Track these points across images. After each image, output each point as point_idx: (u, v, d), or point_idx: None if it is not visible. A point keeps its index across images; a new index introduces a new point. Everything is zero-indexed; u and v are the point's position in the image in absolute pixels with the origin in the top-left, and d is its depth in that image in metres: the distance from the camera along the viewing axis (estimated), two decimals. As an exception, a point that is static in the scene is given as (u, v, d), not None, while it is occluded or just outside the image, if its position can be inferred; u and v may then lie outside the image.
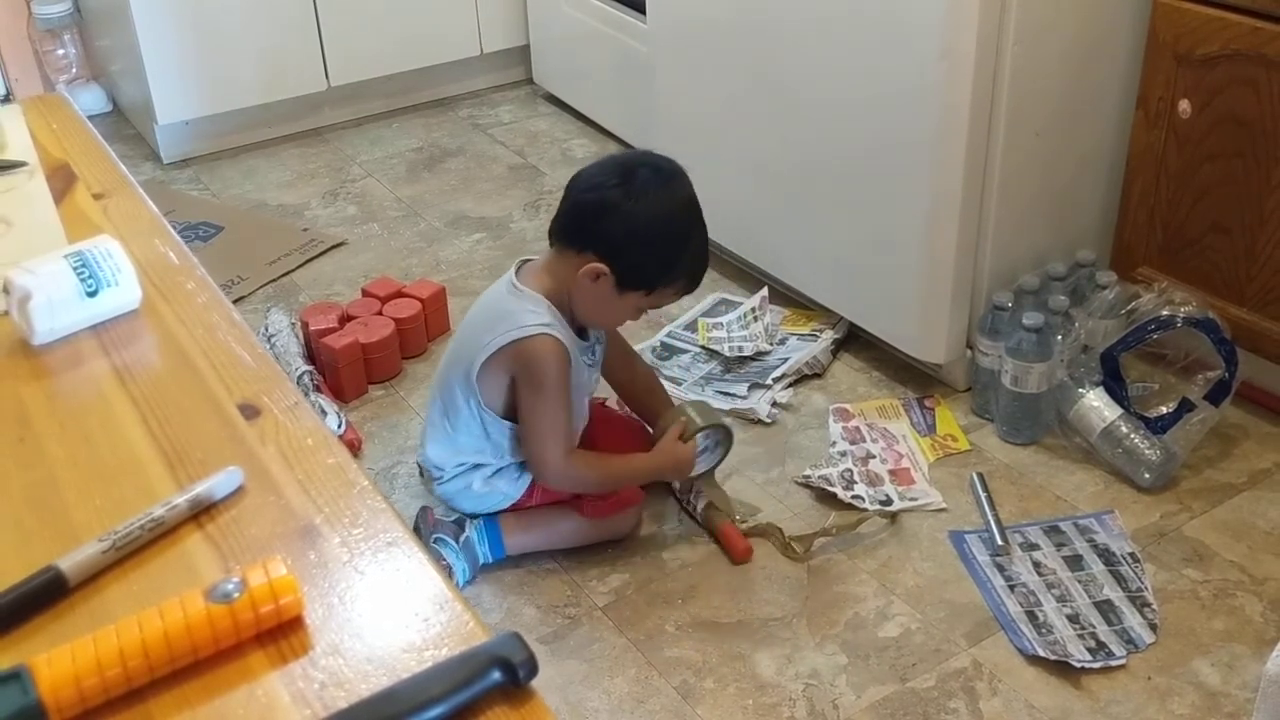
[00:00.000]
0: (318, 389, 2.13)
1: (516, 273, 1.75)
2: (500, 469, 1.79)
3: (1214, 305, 1.96)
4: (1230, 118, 1.90)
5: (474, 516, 1.80)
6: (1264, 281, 1.95)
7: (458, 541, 1.76)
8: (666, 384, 2.19)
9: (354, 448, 2.04)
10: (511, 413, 1.74)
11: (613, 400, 2.01)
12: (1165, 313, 1.94)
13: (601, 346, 1.83)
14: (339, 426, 2.04)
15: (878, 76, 1.98)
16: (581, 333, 1.77)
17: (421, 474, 1.93)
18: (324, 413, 2.04)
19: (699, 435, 1.83)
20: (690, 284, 1.74)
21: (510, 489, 1.80)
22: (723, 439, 1.88)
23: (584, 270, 1.67)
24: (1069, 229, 2.15)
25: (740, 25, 2.22)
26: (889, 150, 2.01)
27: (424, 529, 1.79)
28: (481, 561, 1.78)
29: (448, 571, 1.72)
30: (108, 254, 1.01)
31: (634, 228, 1.65)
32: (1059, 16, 1.92)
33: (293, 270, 2.60)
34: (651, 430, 1.90)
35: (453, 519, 1.79)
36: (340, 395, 2.18)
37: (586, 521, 1.81)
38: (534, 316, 1.68)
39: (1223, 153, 1.93)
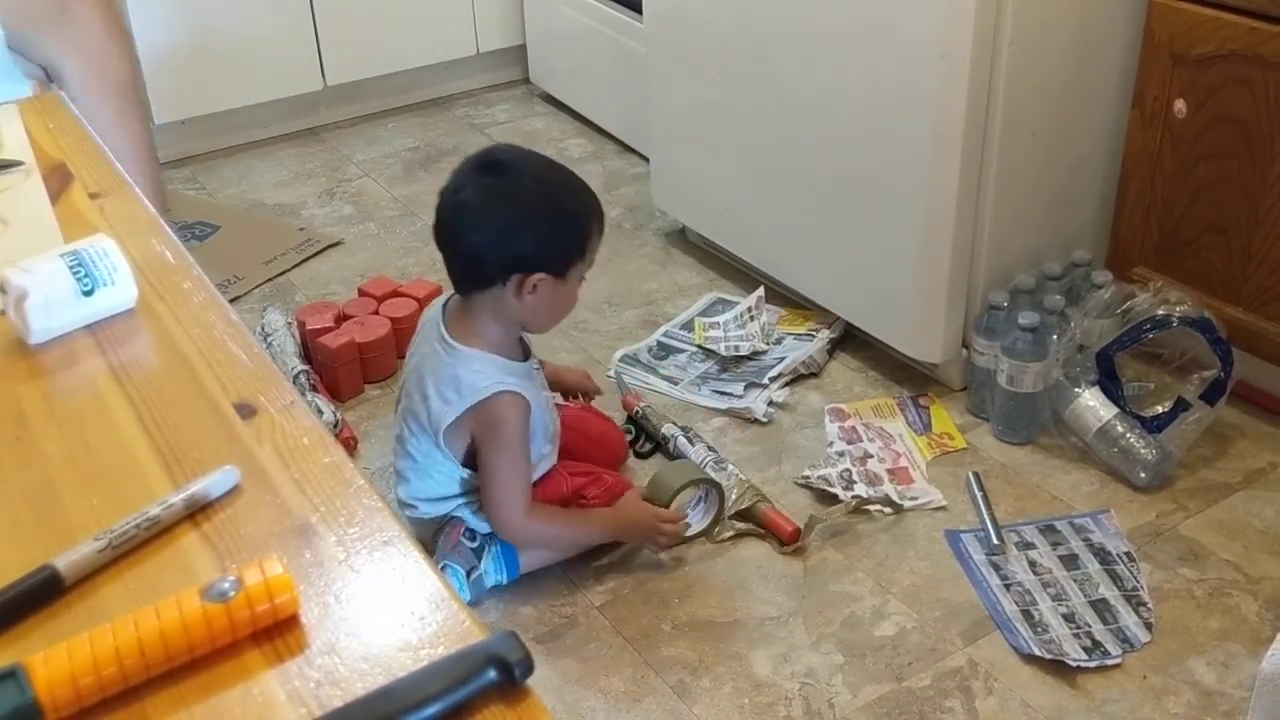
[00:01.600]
0: (314, 388, 2.13)
1: (445, 323, 1.71)
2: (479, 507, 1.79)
3: (1209, 305, 1.96)
4: (1226, 117, 1.91)
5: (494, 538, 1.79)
6: (1259, 281, 1.95)
7: (468, 576, 1.73)
8: (662, 384, 2.20)
9: (350, 447, 2.04)
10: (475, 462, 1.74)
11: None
12: (1161, 312, 1.94)
13: (540, 368, 1.83)
14: (335, 426, 2.03)
15: (874, 77, 1.98)
16: (525, 355, 1.77)
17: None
18: (320, 412, 2.04)
19: (683, 494, 1.82)
20: (600, 221, 1.69)
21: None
22: (710, 493, 1.86)
23: (524, 291, 1.63)
24: (1065, 228, 2.15)
25: (737, 25, 2.22)
26: (885, 150, 2.01)
27: (444, 542, 1.75)
28: (490, 587, 1.76)
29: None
30: (104, 253, 1.01)
31: (530, 226, 1.62)
32: (1055, 17, 1.93)
33: (289, 270, 2.60)
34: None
35: (474, 545, 1.75)
36: (336, 394, 2.18)
37: (596, 521, 1.80)
38: (483, 378, 1.66)
39: (1218, 152, 1.93)
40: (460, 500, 1.76)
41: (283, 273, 2.59)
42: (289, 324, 2.29)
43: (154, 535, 0.78)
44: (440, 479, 1.75)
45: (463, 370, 1.67)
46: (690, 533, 1.84)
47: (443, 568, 1.72)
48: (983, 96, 1.90)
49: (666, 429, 2.03)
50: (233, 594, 0.70)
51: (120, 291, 1.02)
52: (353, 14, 3.13)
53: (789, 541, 1.82)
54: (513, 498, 1.70)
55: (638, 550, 1.84)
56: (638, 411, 2.08)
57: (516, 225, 1.62)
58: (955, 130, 1.91)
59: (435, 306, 1.76)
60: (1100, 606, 1.71)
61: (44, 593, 0.74)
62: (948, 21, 1.85)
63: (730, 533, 1.86)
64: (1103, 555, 1.80)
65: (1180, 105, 1.96)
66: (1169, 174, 2.02)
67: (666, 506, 1.81)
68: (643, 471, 1.99)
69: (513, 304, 1.66)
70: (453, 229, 1.65)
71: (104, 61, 2.01)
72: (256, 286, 2.55)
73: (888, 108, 1.98)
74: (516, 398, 1.67)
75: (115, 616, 0.69)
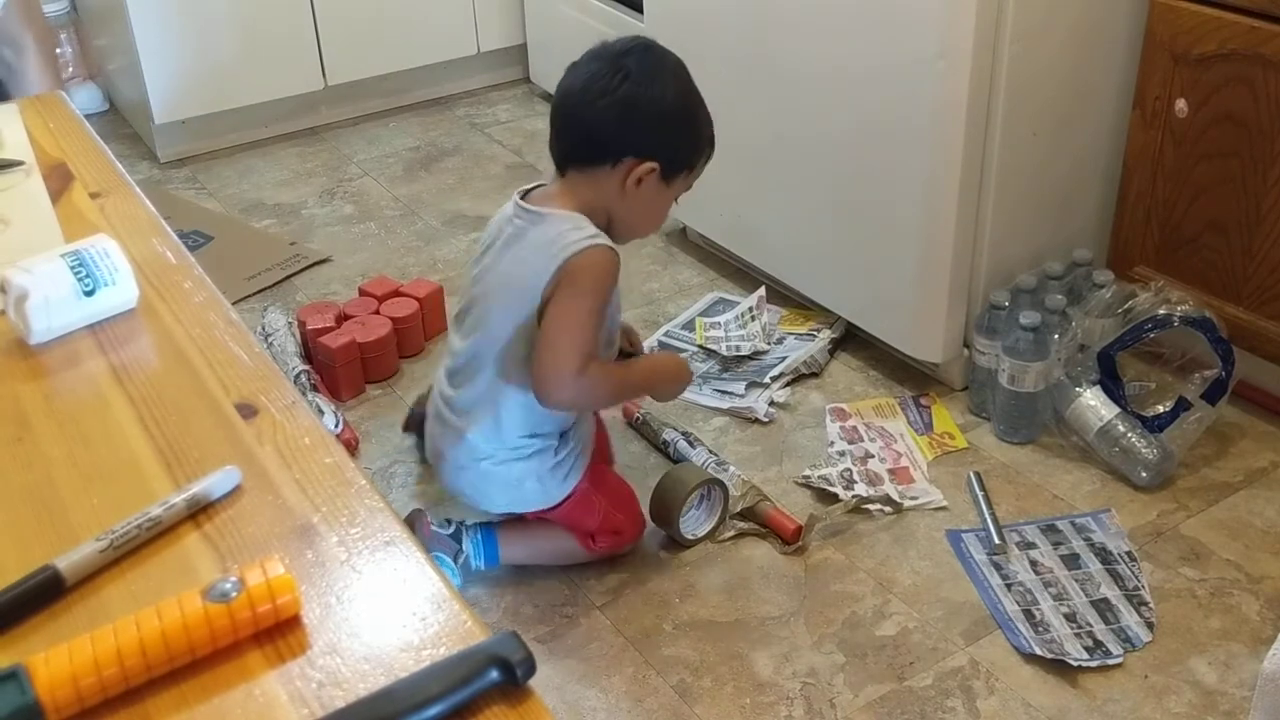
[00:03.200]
0: (315, 388, 2.13)
1: (524, 203, 1.66)
2: (556, 465, 1.71)
3: (1210, 304, 1.96)
4: (1227, 117, 1.90)
5: (470, 522, 1.79)
6: (1260, 280, 1.95)
7: (455, 561, 1.73)
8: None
9: (351, 447, 2.04)
10: None
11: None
12: (1162, 312, 1.94)
13: None
14: (336, 426, 2.03)
15: (875, 76, 1.98)
16: None
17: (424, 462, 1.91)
18: (321, 412, 2.04)
19: (692, 495, 1.82)
20: (713, 144, 1.70)
21: (557, 491, 1.73)
22: (713, 491, 1.86)
23: (631, 176, 1.61)
24: (1066, 228, 2.15)
25: (737, 24, 2.22)
26: (886, 149, 2.01)
27: (417, 537, 1.74)
28: (474, 571, 1.77)
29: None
30: (105, 253, 1.01)
31: (661, 112, 1.61)
32: (1056, 16, 1.93)
33: (267, 288, 2.56)
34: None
35: (449, 531, 1.74)
36: (337, 394, 2.18)
37: (587, 554, 1.78)
38: (578, 232, 1.60)
39: (1219, 152, 1.93)
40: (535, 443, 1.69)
41: (260, 290, 2.55)
42: (290, 324, 2.29)
43: (155, 535, 0.78)
44: (521, 413, 1.66)
45: (553, 229, 1.61)
46: (701, 535, 1.84)
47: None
48: (984, 96, 1.90)
49: (666, 434, 2.03)
50: (234, 594, 0.70)
51: (121, 291, 1.02)
52: (353, 14, 3.13)
53: (790, 541, 1.82)
54: (573, 351, 1.58)
55: (638, 550, 1.84)
56: (637, 418, 2.08)
57: (650, 109, 1.60)
58: (956, 130, 1.90)
59: (505, 208, 1.70)
60: (1101, 606, 1.71)
61: (45, 593, 0.74)
62: (948, 21, 1.85)
63: (731, 532, 1.86)
64: (1104, 555, 1.80)
65: (1181, 105, 1.96)
66: (1170, 173, 2.02)
67: (680, 510, 1.80)
68: (639, 470, 1.99)
69: (613, 191, 1.63)
70: (581, 96, 1.62)
71: None
72: (235, 302, 2.53)
73: (889, 108, 1.98)
74: (612, 252, 1.62)
75: (117, 617, 0.69)
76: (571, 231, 1.60)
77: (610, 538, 1.78)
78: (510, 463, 1.70)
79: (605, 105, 1.60)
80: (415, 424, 1.98)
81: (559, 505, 1.75)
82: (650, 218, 1.72)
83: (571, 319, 1.59)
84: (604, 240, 1.62)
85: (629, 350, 1.87)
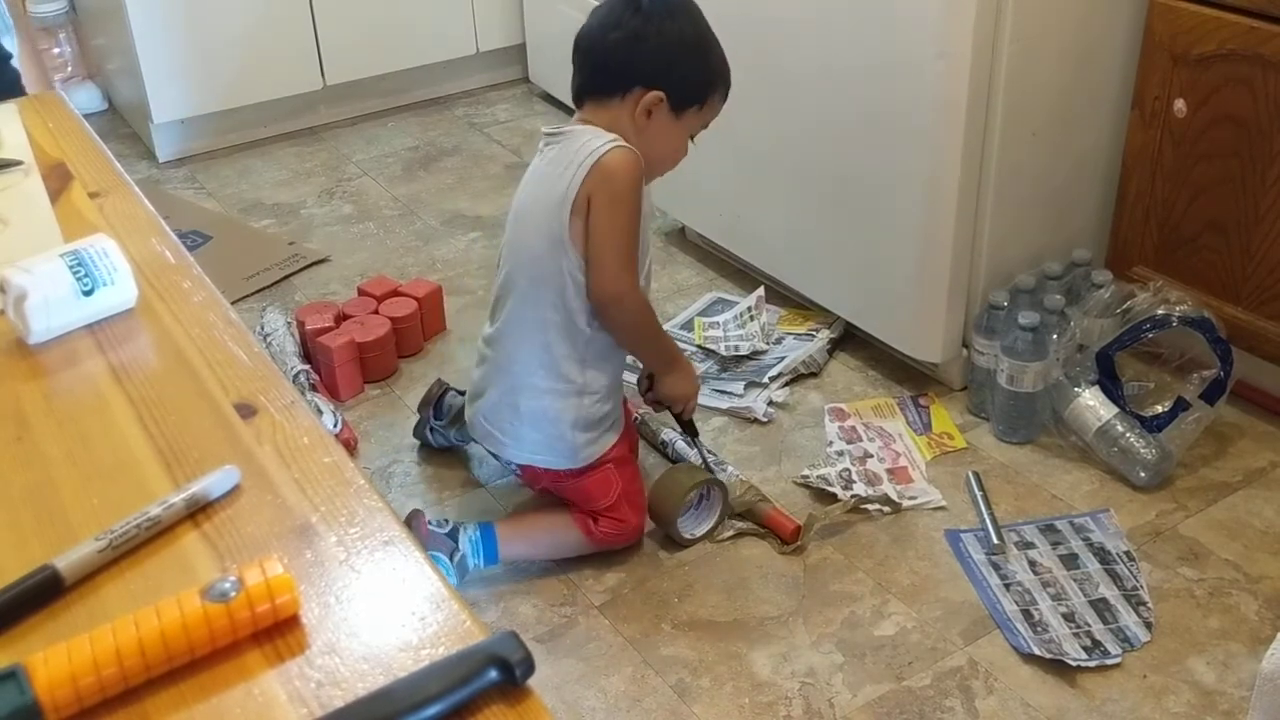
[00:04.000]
0: (313, 388, 2.13)
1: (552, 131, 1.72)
2: (593, 415, 1.75)
3: (1209, 304, 1.96)
4: (1226, 117, 1.90)
5: (469, 521, 1.79)
6: (1259, 281, 1.95)
7: (451, 559, 1.73)
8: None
9: (350, 447, 2.04)
10: None
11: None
12: (1160, 312, 1.94)
13: None
14: (335, 425, 2.03)
15: (875, 77, 1.98)
16: None
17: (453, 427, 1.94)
18: (320, 412, 2.04)
19: (690, 494, 1.82)
20: (727, 85, 1.74)
21: (585, 449, 1.76)
22: (713, 491, 1.86)
23: (641, 105, 1.66)
24: (1065, 228, 2.15)
25: (736, 24, 2.22)
26: (886, 150, 2.01)
27: (415, 537, 1.73)
28: (472, 569, 1.77)
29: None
30: (104, 253, 1.01)
31: (668, 43, 1.66)
32: (1055, 16, 1.93)
33: (266, 287, 2.56)
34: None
35: (446, 530, 1.75)
36: (336, 394, 2.18)
37: (586, 540, 1.79)
38: (599, 138, 1.65)
39: (1218, 152, 1.93)
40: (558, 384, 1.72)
41: (259, 290, 2.55)
42: (289, 324, 2.29)
43: (154, 535, 0.78)
44: (543, 339, 1.70)
45: (576, 141, 1.66)
46: (699, 534, 1.84)
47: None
48: (983, 96, 1.90)
49: (665, 434, 2.03)
50: (233, 594, 0.70)
51: (120, 291, 1.02)
52: (351, 13, 3.13)
53: (789, 540, 1.82)
54: (627, 260, 1.66)
55: (637, 549, 1.84)
56: (636, 419, 2.08)
57: (658, 39, 1.65)
58: (956, 129, 1.90)
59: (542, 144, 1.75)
60: (1100, 606, 1.71)
61: (44, 593, 0.74)
62: (948, 21, 1.85)
63: (730, 532, 1.86)
64: (1102, 555, 1.80)
65: (1180, 105, 1.96)
66: (1169, 173, 2.02)
67: (677, 510, 1.81)
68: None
69: (625, 123, 1.68)
70: (595, 30, 1.69)
71: None
72: (234, 302, 2.53)
73: (888, 107, 1.98)
74: (634, 154, 1.65)
75: (115, 616, 0.68)
76: (593, 139, 1.66)
77: (614, 525, 1.78)
78: (546, 395, 1.73)
79: (616, 37, 1.67)
80: (429, 402, 2.01)
81: (581, 473, 1.77)
82: (665, 152, 1.74)
83: (614, 233, 1.65)
84: (625, 143, 1.66)
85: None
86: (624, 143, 1.65)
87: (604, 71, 1.69)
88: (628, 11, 1.67)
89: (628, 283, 1.68)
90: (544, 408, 1.74)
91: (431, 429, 2.02)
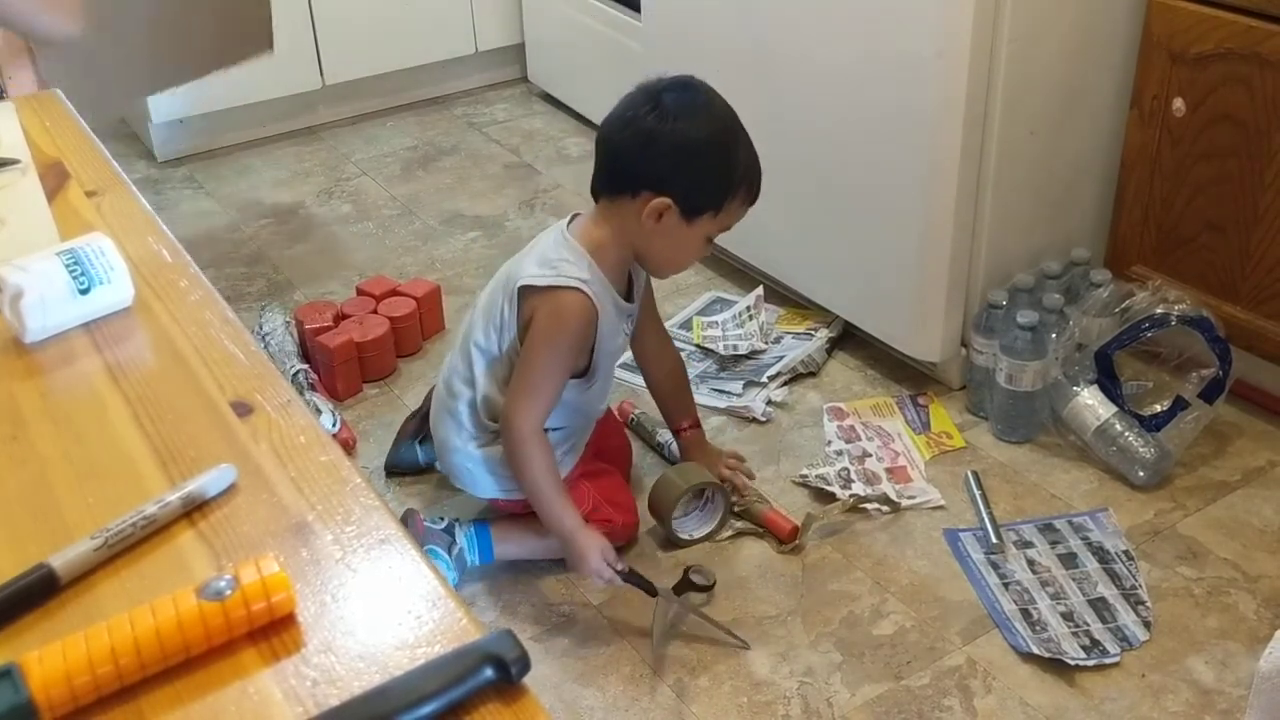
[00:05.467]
0: (312, 387, 2.13)
1: (569, 224, 1.70)
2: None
3: (1208, 303, 1.96)
4: (1224, 116, 1.90)
5: (465, 520, 1.79)
6: (1258, 280, 1.95)
7: (450, 554, 1.73)
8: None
9: (348, 446, 2.04)
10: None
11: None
12: (1159, 311, 1.94)
13: (633, 319, 1.79)
14: (334, 425, 2.03)
15: (873, 75, 1.98)
16: (626, 295, 1.73)
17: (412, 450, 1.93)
18: (319, 411, 2.04)
19: (690, 494, 1.82)
20: (751, 191, 1.67)
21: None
22: (715, 495, 1.85)
23: (647, 210, 1.61)
24: (1064, 227, 2.15)
25: (735, 23, 2.22)
26: (884, 149, 2.01)
27: (411, 534, 1.72)
28: (470, 566, 1.77)
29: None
30: (100, 251, 1.01)
31: (680, 147, 1.59)
32: (1054, 15, 1.93)
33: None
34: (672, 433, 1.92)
35: (442, 526, 1.75)
36: (335, 394, 2.18)
37: (559, 521, 1.78)
38: (573, 269, 1.63)
39: (1217, 151, 1.93)
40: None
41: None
42: (287, 323, 2.29)
43: (150, 534, 0.78)
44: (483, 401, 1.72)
45: (558, 255, 1.65)
46: (698, 536, 1.84)
47: (427, 551, 1.71)
48: (981, 95, 1.90)
49: (661, 434, 2.02)
50: (229, 593, 0.69)
51: (117, 290, 1.01)
52: (351, 13, 3.13)
53: (787, 541, 1.81)
54: (536, 399, 1.64)
55: (635, 549, 1.83)
56: (632, 419, 2.07)
57: (670, 142, 1.59)
58: (954, 129, 1.90)
59: (557, 224, 1.74)
60: (1099, 605, 1.71)
61: (39, 591, 0.74)
62: (946, 20, 1.85)
63: (729, 532, 1.86)
64: (1101, 554, 1.80)
65: (1178, 104, 1.96)
66: (1167, 172, 2.02)
67: (673, 508, 1.81)
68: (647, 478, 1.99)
69: (634, 224, 1.63)
70: (612, 125, 1.65)
71: None
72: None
73: (886, 106, 1.98)
74: (588, 304, 1.63)
75: (111, 615, 0.68)
76: (569, 266, 1.63)
77: (603, 525, 1.77)
78: (494, 445, 1.73)
79: (630, 135, 1.62)
80: (409, 430, 2.01)
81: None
82: (675, 254, 1.71)
83: (538, 367, 1.64)
84: (587, 289, 1.62)
85: (737, 500, 1.86)
86: (586, 288, 1.62)
87: (613, 170, 1.65)
88: (645, 108, 1.61)
89: (520, 416, 1.64)
90: (491, 454, 1.74)
91: (423, 440, 1.96)
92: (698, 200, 1.62)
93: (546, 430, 1.70)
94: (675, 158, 1.60)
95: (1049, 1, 1.91)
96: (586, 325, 1.64)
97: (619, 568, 1.67)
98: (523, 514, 1.79)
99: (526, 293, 1.65)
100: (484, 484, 1.78)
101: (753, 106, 2.24)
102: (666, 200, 1.60)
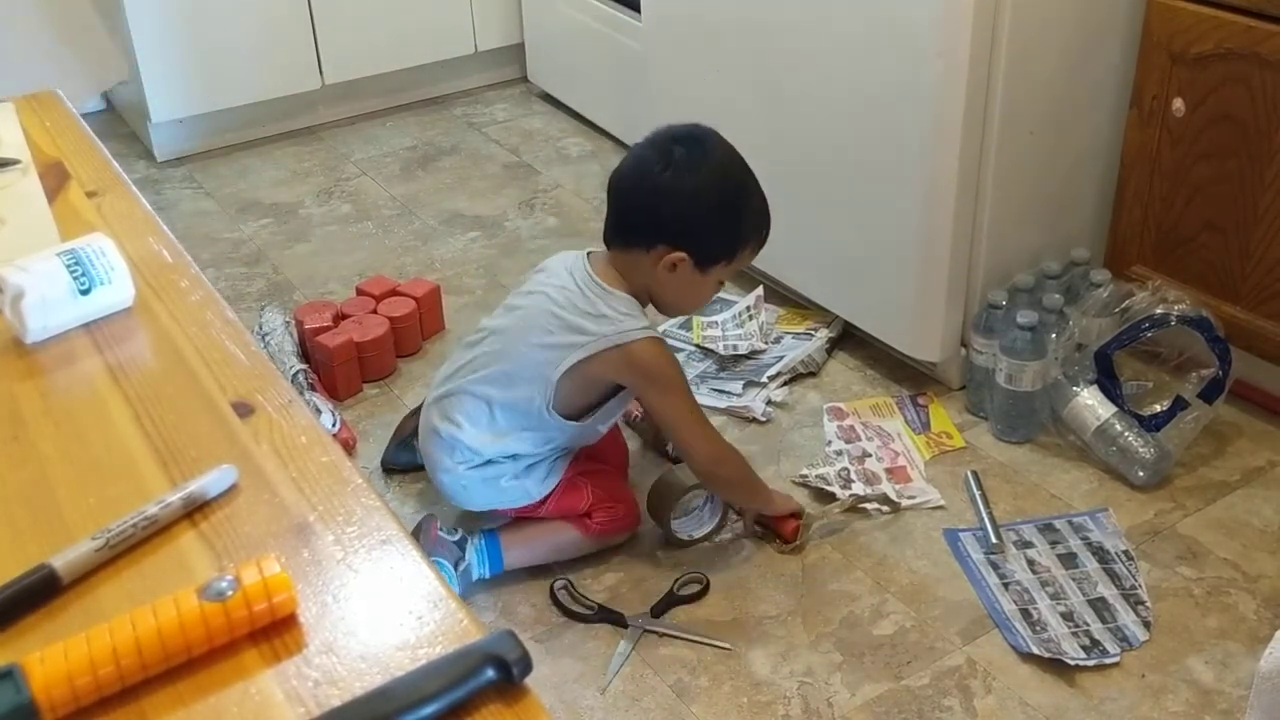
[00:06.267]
0: (312, 388, 2.13)
1: (589, 266, 1.70)
2: (533, 464, 1.75)
3: (1208, 303, 1.96)
4: (1224, 116, 1.90)
5: (476, 530, 1.78)
6: (1258, 280, 1.95)
7: (456, 569, 1.72)
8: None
9: (349, 446, 2.04)
10: (581, 413, 1.72)
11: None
12: (1159, 311, 1.94)
13: None
14: (333, 425, 2.03)
15: (873, 75, 1.98)
16: None
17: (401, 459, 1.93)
18: (318, 411, 2.03)
19: (690, 494, 1.82)
20: (761, 237, 1.72)
21: (535, 489, 1.76)
22: (715, 498, 1.85)
23: (662, 264, 1.65)
24: (1063, 227, 2.15)
25: (736, 23, 2.22)
26: (884, 149, 2.01)
27: (424, 541, 1.72)
28: (476, 579, 1.76)
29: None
30: (101, 252, 1.01)
31: (694, 204, 1.64)
32: (1053, 15, 1.93)
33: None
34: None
35: (455, 539, 1.74)
36: (334, 394, 2.18)
37: (585, 537, 1.79)
38: (633, 320, 1.66)
39: (1217, 151, 1.93)
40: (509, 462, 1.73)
41: None
42: (287, 323, 2.29)
43: (151, 534, 0.78)
44: (517, 430, 1.71)
45: (611, 308, 1.66)
46: (697, 537, 1.84)
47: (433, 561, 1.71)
48: (981, 94, 1.90)
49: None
50: (230, 593, 0.70)
51: (117, 290, 1.01)
52: (350, 13, 3.13)
53: (789, 540, 1.82)
54: (702, 425, 1.72)
55: (635, 549, 1.84)
56: (635, 417, 2.07)
57: (682, 200, 1.63)
58: (954, 128, 1.90)
59: (568, 256, 1.74)
60: (1099, 605, 1.71)
61: (41, 592, 0.74)
62: (946, 19, 1.85)
63: (728, 533, 1.86)
64: (1101, 554, 1.80)
65: (1178, 104, 1.96)
66: (1167, 172, 2.02)
67: (672, 509, 1.81)
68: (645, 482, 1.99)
69: (649, 274, 1.67)
70: (625, 179, 1.68)
71: None
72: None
73: (886, 106, 1.98)
74: (664, 343, 1.69)
75: (112, 616, 0.68)
76: (626, 318, 1.66)
77: (607, 512, 1.79)
78: (480, 467, 1.74)
79: (643, 192, 1.65)
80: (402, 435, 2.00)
81: (544, 501, 1.77)
82: (689, 300, 1.77)
83: (684, 411, 1.71)
84: (655, 332, 1.68)
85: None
86: (654, 331, 1.67)
87: (627, 225, 1.68)
88: (657, 164, 1.64)
89: (717, 444, 1.74)
90: (481, 474, 1.74)
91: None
92: (711, 252, 1.67)
93: (542, 452, 1.74)
94: (688, 215, 1.64)
95: (1049, 1, 1.91)
96: (672, 357, 1.72)
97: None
98: (528, 519, 1.79)
99: (586, 363, 1.65)
100: (479, 498, 1.78)
101: (752, 106, 2.25)
102: (681, 254, 1.65)
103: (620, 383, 1.70)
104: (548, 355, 1.67)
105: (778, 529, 1.83)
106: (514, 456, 1.74)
